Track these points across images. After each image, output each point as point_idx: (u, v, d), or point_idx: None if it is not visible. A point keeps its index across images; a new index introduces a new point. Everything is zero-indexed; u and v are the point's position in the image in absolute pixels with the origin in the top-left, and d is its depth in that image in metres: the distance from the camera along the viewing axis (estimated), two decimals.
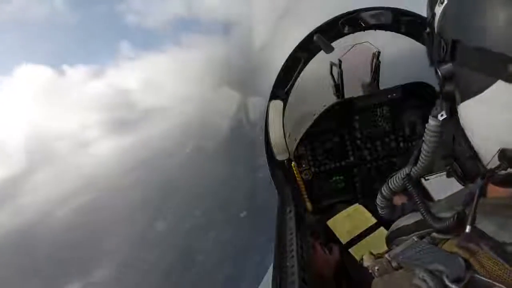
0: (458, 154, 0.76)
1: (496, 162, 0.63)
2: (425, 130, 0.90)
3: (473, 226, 0.62)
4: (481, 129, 0.66)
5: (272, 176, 2.25)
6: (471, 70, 0.62)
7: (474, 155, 0.70)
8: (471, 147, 0.70)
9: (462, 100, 0.67)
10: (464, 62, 0.63)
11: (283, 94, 2.15)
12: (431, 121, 0.87)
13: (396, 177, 1.11)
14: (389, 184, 1.16)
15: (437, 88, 0.82)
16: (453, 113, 0.72)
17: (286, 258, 1.60)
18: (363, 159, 2.52)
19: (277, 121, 2.09)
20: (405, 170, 1.05)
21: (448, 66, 0.67)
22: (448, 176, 0.82)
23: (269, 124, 2.10)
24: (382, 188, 1.20)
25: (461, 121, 0.70)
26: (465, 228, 0.64)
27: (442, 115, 0.76)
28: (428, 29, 0.77)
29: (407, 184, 0.94)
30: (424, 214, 0.79)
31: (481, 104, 0.63)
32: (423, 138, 0.91)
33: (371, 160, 2.52)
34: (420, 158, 0.94)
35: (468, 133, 0.70)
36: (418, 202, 0.83)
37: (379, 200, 1.24)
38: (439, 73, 0.69)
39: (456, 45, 0.64)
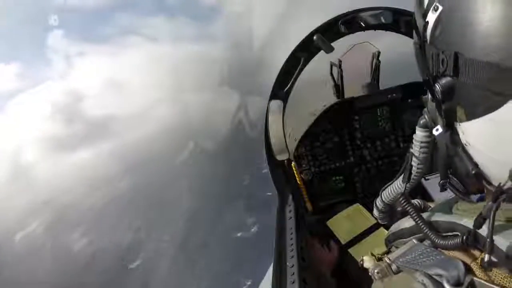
0: (458, 169, 0.70)
1: (504, 181, 0.58)
2: (413, 141, 0.87)
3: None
4: (490, 149, 0.60)
5: (272, 176, 2.25)
6: (478, 87, 0.55)
7: (478, 172, 0.64)
8: (475, 164, 0.64)
9: (468, 119, 0.60)
10: (470, 78, 0.56)
11: (283, 94, 2.15)
12: (420, 132, 0.84)
13: (389, 190, 1.10)
14: (383, 197, 1.15)
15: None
16: (449, 128, 0.66)
17: (286, 258, 1.60)
18: (363, 159, 2.52)
19: (277, 121, 2.09)
20: (399, 183, 1.03)
21: (448, 81, 0.60)
22: (442, 190, 0.77)
23: (269, 124, 2.10)
24: (377, 201, 1.19)
25: (463, 138, 0.65)
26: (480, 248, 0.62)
27: (437, 130, 0.70)
28: (417, 39, 0.68)
29: (406, 206, 0.89)
30: (427, 231, 0.76)
31: (491, 124, 0.57)
32: (411, 150, 0.89)
33: (371, 160, 2.52)
34: (413, 173, 0.91)
35: (471, 151, 0.64)
36: (418, 221, 0.80)
37: (376, 212, 1.24)
38: (437, 88, 0.62)
39: (458, 58, 0.56)
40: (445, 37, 0.61)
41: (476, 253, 0.64)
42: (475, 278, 0.59)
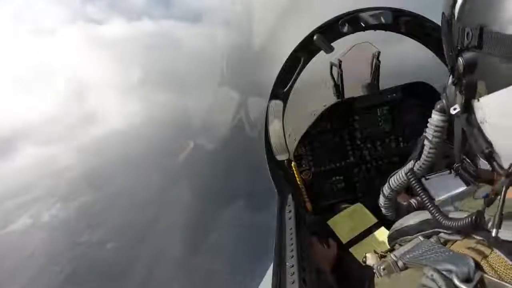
0: (472, 149, 0.71)
1: None
2: (428, 125, 0.87)
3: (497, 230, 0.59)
4: (509, 123, 0.61)
5: (272, 176, 2.25)
6: (503, 59, 0.57)
7: (491, 152, 0.65)
8: (489, 143, 0.66)
9: (489, 91, 0.62)
10: (494, 50, 0.58)
11: (283, 94, 2.15)
12: (436, 116, 0.84)
13: (397, 176, 1.09)
14: (390, 183, 1.14)
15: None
16: (467, 106, 0.68)
17: (286, 258, 1.60)
18: (363, 159, 2.52)
19: (277, 121, 2.09)
20: (407, 168, 1.03)
21: (471, 54, 0.63)
22: (457, 174, 0.79)
23: (269, 124, 2.10)
24: (384, 188, 1.18)
25: (480, 115, 0.66)
26: (488, 230, 0.62)
27: (455, 109, 0.71)
28: (445, 17, 0.71)
29: (412, 180, 0.90)
30: (434, 212, 0.76)
31: None
32: (425, 134, 0.89)
33: (371, 160, 2.52)
34: (423, 155, 0.91)
35: (488, 128, 0.65)
36: (425, 199, 0.79)
37: (382, 200, 1.23)
38: (460, 61, 0.64)
39: (483, 31, 0.59)
40: (472, 13, 0.64)
41: (486, 251, 0.64)
42: (484, 275, 0.59)
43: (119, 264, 5.32)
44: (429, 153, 0.90)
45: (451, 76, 0.74)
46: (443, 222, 0.72)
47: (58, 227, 5.95)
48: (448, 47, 0.71)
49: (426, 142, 0.89)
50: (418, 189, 0.85)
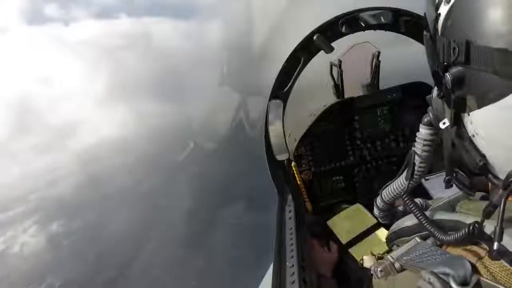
0: (464, 163, 0.70)
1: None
2: (416, 139, 0.87)
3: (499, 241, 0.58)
4: (501, 137, 0.60)
5: (272, 176, 2.25)
6: (490, 74, 0.56)
7: (485, 164, 0.65)
8: (482, 156, 0.65)
9: (479, 106, 0.61)
10: (481, 65, 0.57)
11: (283, 94, 2.15)
12: (423, 130, 0.84)
13: (389, 189, 1.09)
14: (383, 196, 1.14)
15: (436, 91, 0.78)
16: (456, 120, 0.67)
17: (286, 258, 1.60)
18: (363, 159, 2.52)
19: (277, 121, 2.09)
20: (399, 182, 1.03)
21: (459, 70, 0.61)
22: (448, 186, 0.77)
23: (269, 124, 2.10)
24: (377, 200, 1.19)
25: (471, 129, 0.65)
26: (486, 238, 0.61)
27: (444, 123, 0.70)
28: (429, 31, 0.70)
29: (409, 204, 0.89)
30: (431, 229, 0.76)
31: (503, 110, 0.57)
32: (414, 148, 0.88)
33: (371, 160, 2.52)
34: (416, 171, 0.91)
35: (480, 141, 0.65)
36: (422, 219, 0.79)
37: (376, 212, 1.23)
38: (448, 77, 0.63)
39: (470, 46, 0.58)
40: (456, 27, 0.63)
41: (481, 252, 0.64)
42: (481, 278, 0.59)
43: None
44: (419, 167, 0.90)
45: (435, 90, 0.73)
46: (441, 237, 0.72)
47: (19, 263, 5.21)
48: (433, 62, 0.69)
49: (416, 157, 0.89)
50: (414, 211, 0.85)
